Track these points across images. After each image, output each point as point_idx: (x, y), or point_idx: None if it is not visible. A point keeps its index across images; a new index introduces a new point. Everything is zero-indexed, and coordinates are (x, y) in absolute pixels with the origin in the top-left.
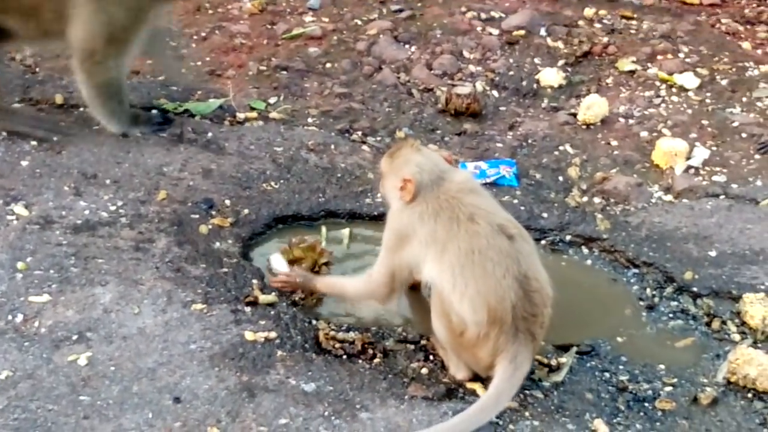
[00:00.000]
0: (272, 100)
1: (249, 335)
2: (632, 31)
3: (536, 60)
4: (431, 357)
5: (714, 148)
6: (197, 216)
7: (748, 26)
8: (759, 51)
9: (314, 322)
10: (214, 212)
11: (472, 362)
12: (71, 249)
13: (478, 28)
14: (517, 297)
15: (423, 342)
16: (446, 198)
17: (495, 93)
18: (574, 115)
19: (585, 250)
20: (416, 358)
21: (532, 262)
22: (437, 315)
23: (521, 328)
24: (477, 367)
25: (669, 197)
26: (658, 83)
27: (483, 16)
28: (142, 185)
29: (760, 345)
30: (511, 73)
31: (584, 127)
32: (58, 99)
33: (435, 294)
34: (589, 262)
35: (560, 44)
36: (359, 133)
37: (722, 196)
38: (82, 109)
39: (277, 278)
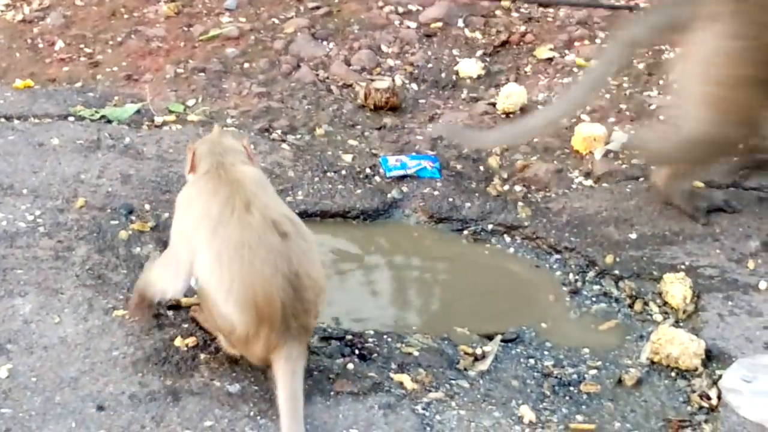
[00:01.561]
0: (190, 103)
1: (177, 341)
2: (549, 19)
3: (454, 51)
4: (356, 352)
5: (632, 132)
6: (117, 222)
7: None
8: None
9: None
10: (133, 217)
11: (245, 354)
12: None
13: (396, 22)
14: (286, 296)
15: (348, 337)
16: (228, 179)
17: (414, 86)
18: (494, 104)
19: (507, 239)
20: (341, 353)
21: (306, 260)
22: (206, 309)
23: (292, 324)
24: (251, 359)
25: (589, 182)
26: (575, 69)
27: (400, 9)
28: (59, 193)
29: (681, 324)
30: (430, 65)
31: (504, 116)
32: None
33: (201, 288)
34: (511, 250)
35: (478, 35)
36: (279, 131)
37: (641, 179)
38: None
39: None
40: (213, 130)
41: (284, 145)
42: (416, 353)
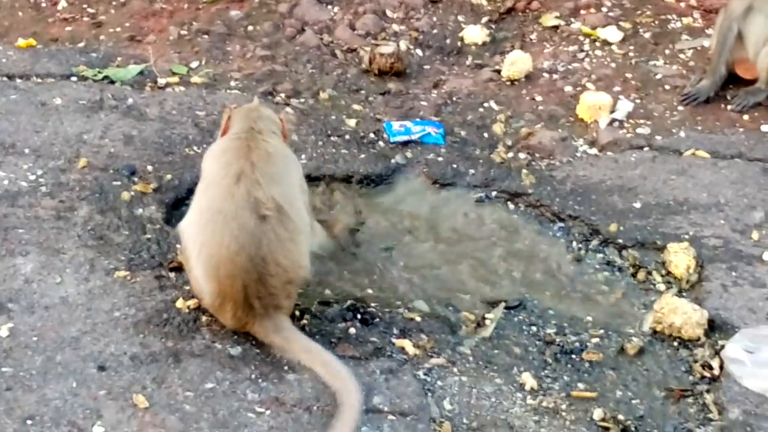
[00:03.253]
0: (194, 65)
1: (179, 303)
2: None
3: (460, 18)
4: (358, 317)
5: (638, 101)
6: (119, 183)
7: None
8: (682, 3)
9: None
10: (136, 179)
11: (220, 320)
12: None
13: None
14: (249, 278)
15: (350, 302)
16: (245, 144)
17: (419, 52)
18: (499, 71)
19: (511, 206)
20: (342, 318)
21: (279, 248)
22: (186, 269)
23: (256, 305)
24: (227, 325)
25: (594, 150)
26: (581, 38)
27: None
28: (62, 153)
29: (684, 294)
30: (435, 31)
31: (509, 83)
32: None
33: (183, 246)
34: (515, 217)
35: (483, 1)
36: (282, 95)
37: (646, 148)
38: None
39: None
40: (254, 100)
41: (288, 109)
42: (418, 319)
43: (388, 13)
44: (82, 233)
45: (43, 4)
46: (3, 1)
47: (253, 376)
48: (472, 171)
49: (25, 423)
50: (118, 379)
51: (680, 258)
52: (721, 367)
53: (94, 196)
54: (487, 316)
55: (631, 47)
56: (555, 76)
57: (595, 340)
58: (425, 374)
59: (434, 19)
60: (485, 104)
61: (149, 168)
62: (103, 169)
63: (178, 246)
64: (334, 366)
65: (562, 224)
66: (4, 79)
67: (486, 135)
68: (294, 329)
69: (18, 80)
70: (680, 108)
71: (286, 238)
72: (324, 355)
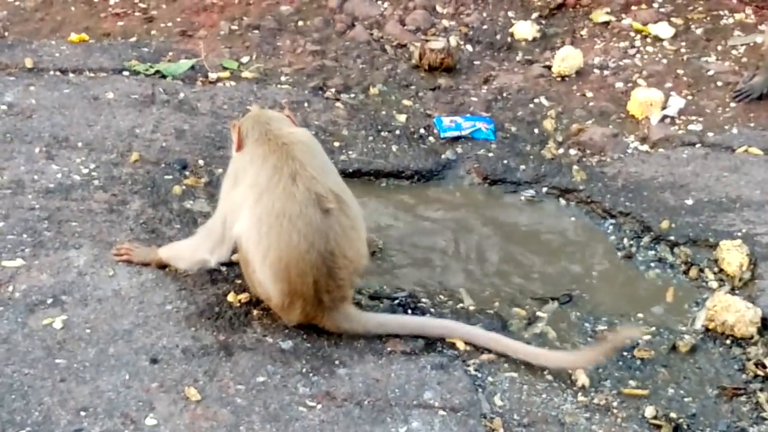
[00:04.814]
0: (244, 60)
1: (230, 297)
2: None
3: (510, 13)
4: (409, 312)
5: (689, 98)
6: (171, 177)
7: None
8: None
9: None
10: (187, 173)
11: (285, 319)
12: (44, 213)
13: None
14: (320, 273)
15: (400, 297)
16: (278, 144)
17: (469, 47)
18: (549, 67)
19: (562, 202)
20: (394, 312)
21: (344, 239)
22: (245, 274)
23: (325, 299)
24: (290, 324)
25: (645, 147)
26: (632, 34)
27: None
28: (114, 147)
29: (737, 291)
30: (485, 26)
31: (559, 79)
32: (28, 63)
33: (242, 253)
34: (566, 213)
35: None
36: (333, 90)
37: (698, 145)
38: (51, 72)
39: (117, 249)
40: (252, 108)
41: (338, 104)
42: (469, 315)
43: (438, 8)
44: (134, 226)
45: (95, 0)
46: None
47: (304, 370)
48: (522, 167)
49: (78, 414)
50: (170, 372)
51: (733, 255)
52: None
53: (146, 190)
54: (538, 312)
55: (683, 43)
56: (606, 72)
57: (647, 337)
58: (476, 370)
59: (484, 14)
60: (536, 100)
61: (200, 162)
62: (154, 163)
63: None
64: (416, 322)
65: (613, 221)
66: (57, 73)
67: (536, 131)
68: (362, 313)
69: (71, 74)
70: (732, 105)
71: (349, 227)
72: (399, 318)
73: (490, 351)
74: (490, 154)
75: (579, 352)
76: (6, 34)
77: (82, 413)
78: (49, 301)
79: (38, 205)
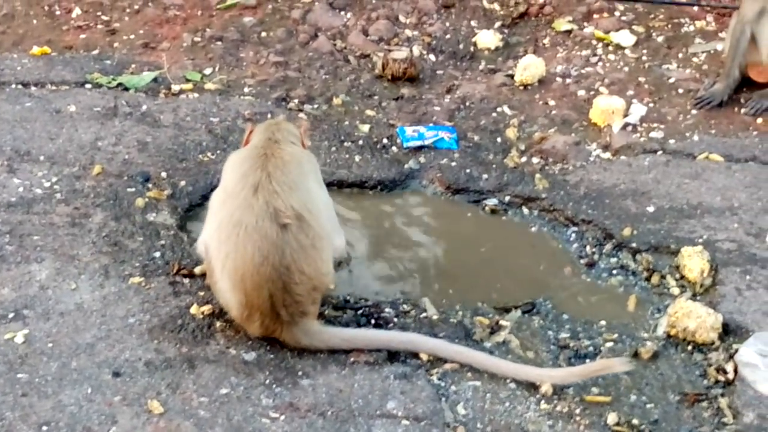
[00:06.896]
0: (207, 71)
1: (193, 309)
2: None
3: (473, 23)
4: (372, 322)
5: (651, 105)
6: (133, 189)
7: None
8: (694, 7)
9: None
10: (150, 185)
11: (247, 330)
12: (6, 227)
13: None
14: (275, 287)
15: (364, 307)
16: (258, 154)
17: (432, 57)
18: (512, 76)
19: (525, 210)
20: (356, 323)
21: (302, 255)
22: (209, 281)
23: (283, 313)
24: (253, 335)
25: (607, 155)
26: (594, 42)
27: None
28: (76, 160)
29: (698, 298)
30: (448, 36)
31: (521, 88)
32: None
33: (207, 259)
34: (529, 221)
35: (496, 6)
36: (296, 101)
37: (660, 152)
38: (13, 85)
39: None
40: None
41: (301, 115)
42: (432, 324)
43: (401, 18)
44: (96, 240)
45: (58, 12)
46: (17, 9)
47: (267, 382)
48: (485, 176)
49: (40, 429)
50: (133, 385)
51: (694, 262)
52: (736, 371)
53: (108, 203)
54: (500, 322)
55: (644, 51)
56: (568, 81)
57: (609, 344)
58: (439, 379)
59: (447, 24)
60: (498, 109)
61: (163, 174)
62: (117, 176)
63: (194, 254)
64: (381, 337)
65: (575, 228)
66: (19, 86)
67: (499, 140)
68: (324, 329)
69: (33, 88)
70: (694, 112)
71: (308, 246)
72: (363, 333)
73: (453, 360)
74: (453, 164)
75: (561, 369)
76: None
77: (44, 428)
78: (11, 315)
79: (0, 219)
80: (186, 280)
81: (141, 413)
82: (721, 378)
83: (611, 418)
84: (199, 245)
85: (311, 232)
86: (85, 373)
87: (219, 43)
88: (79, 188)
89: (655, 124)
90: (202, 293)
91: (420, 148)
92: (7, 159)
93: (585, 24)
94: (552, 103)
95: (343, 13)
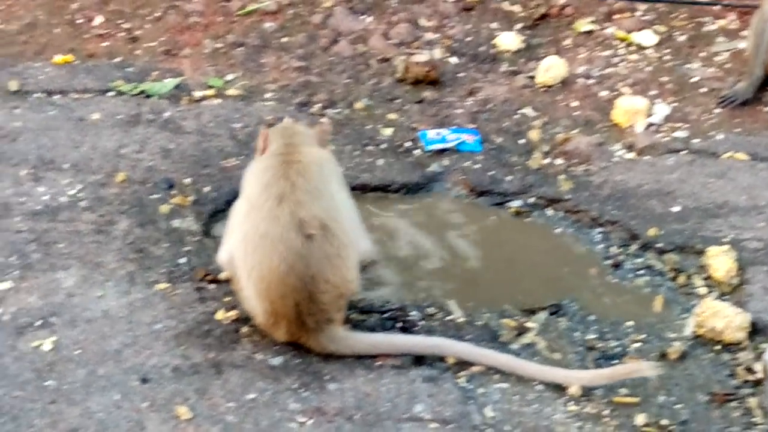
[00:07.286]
0: (229, 77)
1: (219, 314)
2: None
3: (493, 25)
4: (398, 325)
5: (674, 105)
6: (158, 196)
7: None
8: (716, 6)
9: None
10: (174, 191)
11: (273, 336)
12: (32, 235)
13: None
14: (301, 297)
15: (390, 310)
16: (278, 161)
17: (453, 59)
18: (533, 78)
19: (549, 212)
20: (382, 327)
21: (327, 265)
22: (235, 287)
23: (308, 321)
24: (280, 340)
25: (631, 155)
26: (616, 42)
27: None
28: (100, 168)
29: (725, 297)
30: (469, 38)
31: (544, 89)
32: (13, 85)
33: (232, 268)
34: (553, 223)
35: (517, 8)
36: (318, 105)
37: (684, 152)
38: (37, 94)
39: None
40: (284, 120)
41: (323, 119)
42: (458, 327)
43: (422, 21)
44: (122, 247)
45: (79, 21)
46: (39, 18)
47: (294, 386)
48: (509, 178)
49: None
50: (161, 390)
51: (720, 261)
52: (765, 371)
53: (133, 210)
54: (527, 324)
55: (667, 51)
56: (590, 82)
57: (637, 345)
58: (466, 381)
59: (468, 26)
60: (521, 111)
61: (187, 181)
62: (141, 183)
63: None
64: (407, 341)
65: (600, 229)
66: (42, 95)
67: (522, 141)
68: (349, 335)
69: (56, 96)
70: (717, 111)
71: (334, 255)
72: (389, 338)
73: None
74: (477, 166)
75: (589, 371)
76: None
77: None
78: (38, 323)
79: (25, 227)
80: (211, 286)
81: (169, 419)
82: (750, 377)
83: (640, 419)
84: (222, 255)
85: (336, 241)
86: (113, 379)
87: (240, 48)
88: (104, 195)
89: (679, 124)
90: (227, 299)
91: (443, 151)
92: (32, 167)
93: (606, 24)
94: (574, 104)
95: (363, 17)
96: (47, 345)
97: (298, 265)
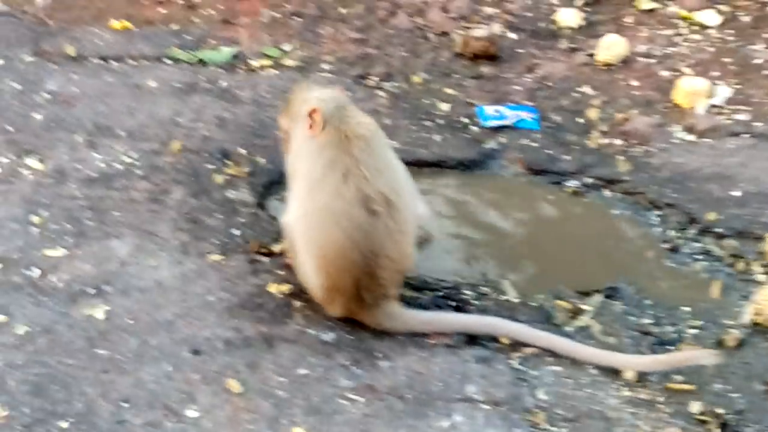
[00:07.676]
0: (286, 47)
1: (272, 288)
2: None
3: (553, 0)
4: (452, 304)
5: (737, 87)
6: (212, 166)
7: None
8: None
9: None
10: (229, 162)
11: (328, 310)
12: (86, 202)
13: None
14: (361, 272)
15: (443, 289)
16: (339, 137)
17: (512, 35)
18: (593, 55)
19: (606, 193)
20: (435, 305)
21: (389, 241)
22: (293, 259)
23: (366, 296)
24: (334, 315)
25: (691, 137)
26: (678, 21)
27: None
28: (156, 136)
29: None
30: (529, 14)
31: (603, 67)
32: (70, 51)
33: (289, 242)
34: (610, 204)
35: None
36: (375, 78)
37: (745, 135)
38: (94, 60)
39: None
40: (304, 84)
41: (380, 93)
42: (512, 307)
43: None
44: (176, 216)
45: None
46: None
47: (346, 363)
48: (566, 157)
49: (120, 405)
50: (212, 363)
51: None
52: None
53: (187, 179)
54: (582, 306)
55: (730, 31)
56: (651, 61)
57: (693, 331)
58: (519, 363)
59: (528, 1)
60: (579, 89)
61: (242, 151)
62: (196, 152)
63: (273, 232)
64: (462, 320)
65: (658, 212)
66: (99, 61)
67: (580, 120)
68: (404, 311)
69: (113, 62)
70: None
71: (396, 230)
72: (443, 316)
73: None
74: (534, 144)
75: (646, 356)
76: (49, 21)
77: (124, 404)
78: (92, 291)
79: (80, 194)
80: (265, 259)
81: (219, 392)
82: None
83: (695, 407)
84: (284, 225)
85: (399, 216)
86: (165, 350)
87: (298, 19)
88: (159, 164)
89: (741, 107)
90: (280, 272)
91: (500, 127)
92: (88, 134)
93: (669, 3)
94: (634, 83)
95: None
96: (100, 314)
97: (363, 242)
